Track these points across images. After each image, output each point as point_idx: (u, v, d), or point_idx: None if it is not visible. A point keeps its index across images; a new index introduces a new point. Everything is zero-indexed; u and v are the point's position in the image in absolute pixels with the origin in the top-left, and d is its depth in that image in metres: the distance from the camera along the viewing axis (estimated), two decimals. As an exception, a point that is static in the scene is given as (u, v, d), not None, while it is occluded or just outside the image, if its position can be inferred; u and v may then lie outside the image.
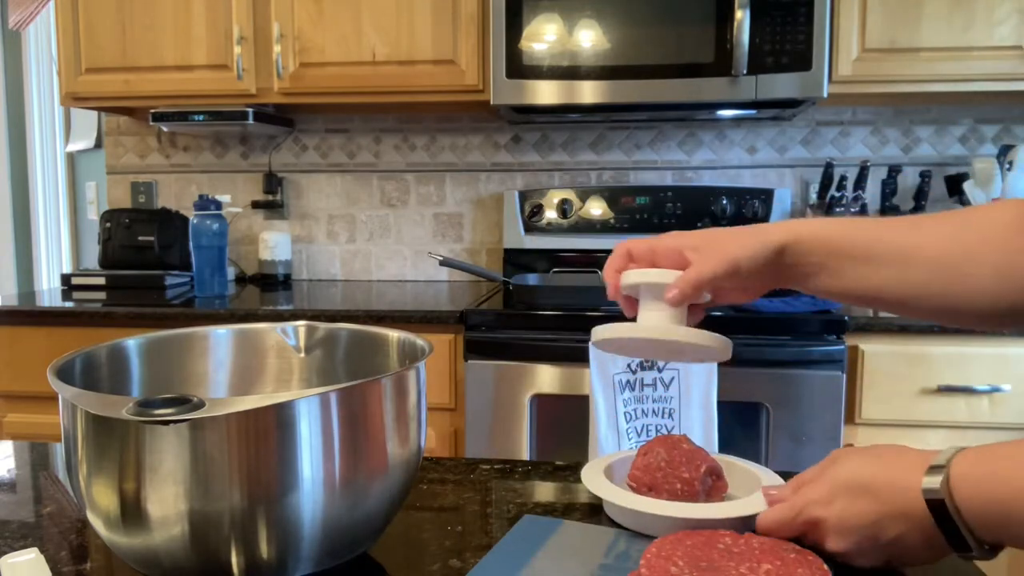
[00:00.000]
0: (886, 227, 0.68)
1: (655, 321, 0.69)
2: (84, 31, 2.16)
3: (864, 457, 0.57)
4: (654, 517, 0.64)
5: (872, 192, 2.21)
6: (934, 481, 0.52)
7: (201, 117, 2.16)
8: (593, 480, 0.70)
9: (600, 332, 0.70)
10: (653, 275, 0.69)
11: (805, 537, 0.59)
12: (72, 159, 3.19)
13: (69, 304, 1.95)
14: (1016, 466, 0.50)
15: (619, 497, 0.67)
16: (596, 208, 2.27)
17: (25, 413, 1.93)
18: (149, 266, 2.32)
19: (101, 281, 2.27)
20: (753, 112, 2.16)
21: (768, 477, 0.70)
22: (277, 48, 2.07)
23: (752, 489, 0.69)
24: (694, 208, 2.23)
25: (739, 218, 2.21)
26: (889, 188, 2.17)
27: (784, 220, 0.73)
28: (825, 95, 1.89)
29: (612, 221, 2.26)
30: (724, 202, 2.21)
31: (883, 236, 0.67)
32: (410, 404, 0.60)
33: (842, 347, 1.66)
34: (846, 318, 1.68)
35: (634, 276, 0.70)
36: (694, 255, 0.68)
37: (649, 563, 0.55)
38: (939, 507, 0.52)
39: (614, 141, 2.37)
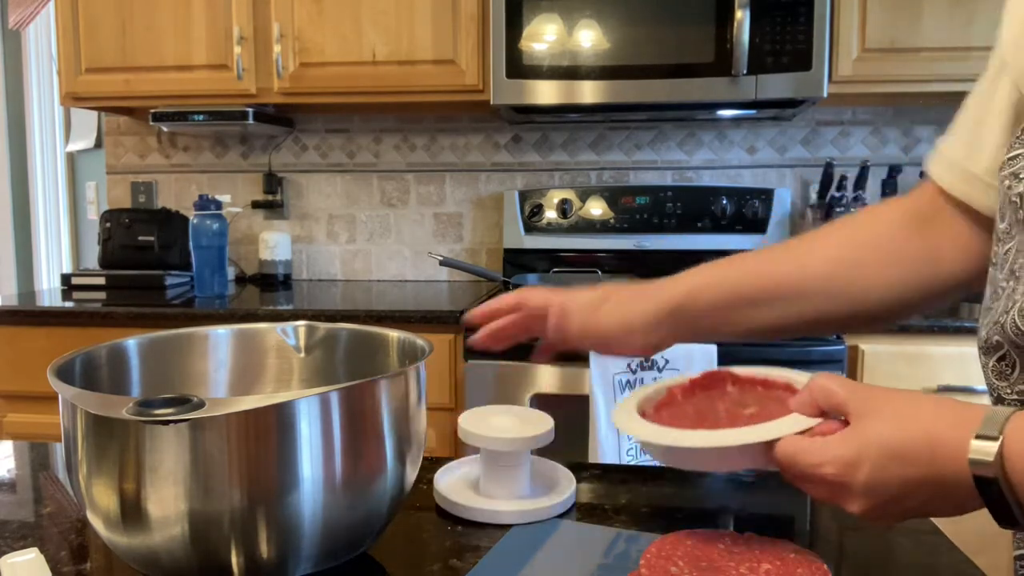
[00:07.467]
0: (776, 260, 0.72)
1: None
2: (84, 31, 2.16)
3: (898, 415, 0.51)
4: (693, 451, 0.57)
5: (872, 192, 2.21)
6: (984, 453, 0.46)
7: (201, 117, 2.16)
8: (630, 423, 0.61)
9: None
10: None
11: (814, 489, 0.53)
12: (72, 159, 3.19)
13: (69, 304, 1.95)
14: None
15: (658, 435, 0.59)
16: (596, 208, 2.27)
17: (25, 413, 1.93)
18: (149, 266, 2.32)
19: (101, 281, 2.27)
20: (753, 112, 2.16)
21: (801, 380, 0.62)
22: (277, 48, 2.07)
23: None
24: (694, 208, 2.23)
25: (739, 218, 2.21)
26: (889, 188, 2.17)
27: (684, 273, 0.74)
28: (825, 95, 1.89)
29: (612, 221, 2.26)
30: (724, 202, 2.21)
31: (773, 272, 0.71)
32: (410, 404, 0.60)
33: (842, 347, 1.66)
34: (846, 318, 1.68)
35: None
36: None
37: (649, 563, 0.55)
38: (988, 481, 0.46)
39: (614, 141, 2.37)
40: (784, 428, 0.54)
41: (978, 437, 0.47)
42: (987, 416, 0.48)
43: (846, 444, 0.51)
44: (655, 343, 0.73)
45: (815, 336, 0.73)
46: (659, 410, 0.63)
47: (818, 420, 0.54)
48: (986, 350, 0.59)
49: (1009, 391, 0.57)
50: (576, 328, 0.76)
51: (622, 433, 0.63)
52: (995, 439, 0.46)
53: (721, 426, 0.58)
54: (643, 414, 0.62)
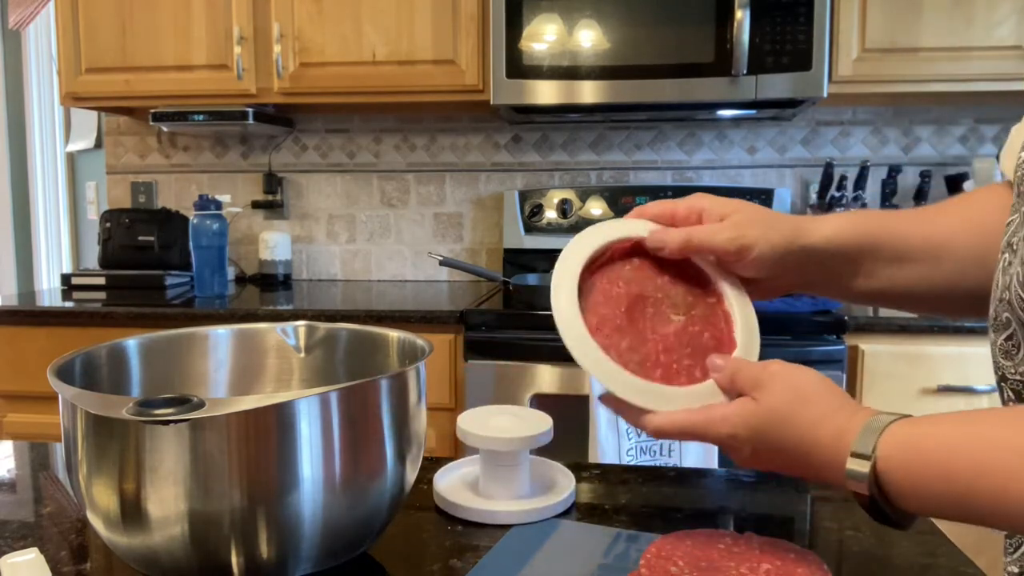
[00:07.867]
0: (913, 222, 0.66)
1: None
2: (84, 31, 2.16)
3: (779, 409, 0.54)
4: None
5: (872, 192, 2.21)
6: (860, 469, 0.49)
7: (201, 117, 2.16)
8: (573, 327, 0.59)
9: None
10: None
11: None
12: (72, 159, 3.19)
13: (69, 304, 1.95)
14: (950, 450, 0.46)
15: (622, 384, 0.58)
16: (596, 208, 2.27)
17: (25, 413, 1.93)
18: (149, 266, 2.32)
19: (101, 281, 2.27)
20: (753, 112, 2.16)
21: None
22: (277, 48, 2.07)
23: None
24: (694, 208, 2.23)
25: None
26: (889, 188, 2.17)
27: (813, 216, 0.67)
28: (825, 95, 1.89)
29: (612, 221, 2.26)
30: (724, 202, 2.21)
31: (914, 232, 0.66)
32: (410, 404, 0.60)
33: (842, 347, 1.66)
34: (846, 318, 1.68)
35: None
36: (710, 220, 0.63)
37: (649, 563, 0.55)
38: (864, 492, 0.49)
39: (614, 141, 2.37)
40: (698, 400, 0.58)
41: (853, 455, 0.49)
42: (866, 426, 0.50)
43: (734, 418, 0.55)
44: (777, 285, 0.65)
45: (935, 315, 0.69)
46: (594, 273, 0.62)
47: (725, 398, 0.59)
48: (995, 327, 0.58)
49: (1013, 371, 0.57)
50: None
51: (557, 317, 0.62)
52: (868, 458, 0.49)
53: (643, 331, 0.61)
54: (581, 277, 0.61)
